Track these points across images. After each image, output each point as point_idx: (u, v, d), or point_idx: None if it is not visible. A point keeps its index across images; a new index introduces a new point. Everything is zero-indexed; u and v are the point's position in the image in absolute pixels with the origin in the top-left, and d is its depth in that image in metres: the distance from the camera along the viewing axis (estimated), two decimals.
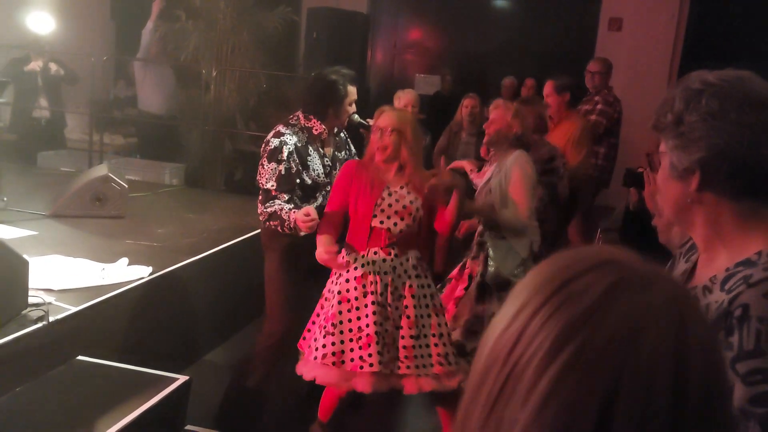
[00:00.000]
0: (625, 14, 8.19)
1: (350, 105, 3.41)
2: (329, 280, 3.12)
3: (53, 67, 6.72)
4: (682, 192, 1.24)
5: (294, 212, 3.08)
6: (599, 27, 8.39)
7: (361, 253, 3.03)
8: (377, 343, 2.89)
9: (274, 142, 3.25)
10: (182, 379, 2.90)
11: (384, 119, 3.07)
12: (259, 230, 3.34)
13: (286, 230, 3.15)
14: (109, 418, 2.52)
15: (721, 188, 1.21)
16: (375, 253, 3.02)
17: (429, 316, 3.01)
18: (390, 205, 3.03)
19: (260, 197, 3.28)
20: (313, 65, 6.33)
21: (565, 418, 0.56)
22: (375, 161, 3.08)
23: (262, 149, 3.30)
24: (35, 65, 6.64)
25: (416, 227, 3.06)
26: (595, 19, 8.41)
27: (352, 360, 2.90)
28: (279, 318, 3.33)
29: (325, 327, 2.97)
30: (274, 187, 3.20)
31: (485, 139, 3.75)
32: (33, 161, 6.61)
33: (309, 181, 3.31)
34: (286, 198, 3.22)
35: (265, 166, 3.24)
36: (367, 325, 2.92)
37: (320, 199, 3.39)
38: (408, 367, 2.92)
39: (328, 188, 3.36)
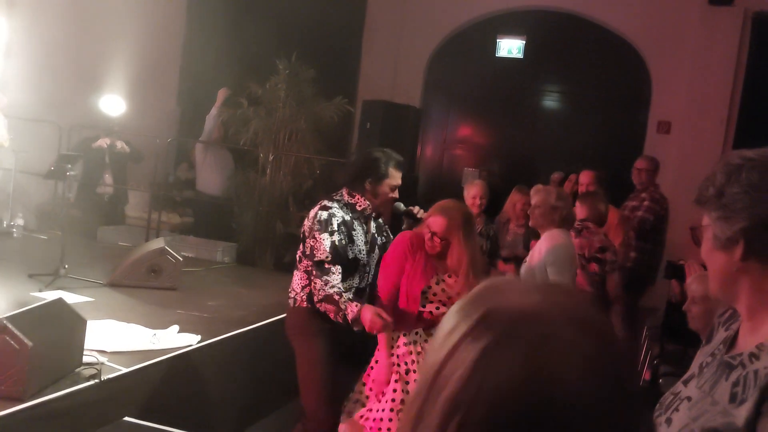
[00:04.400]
0: (674, 117, 8.30)
1: (391, 189, 3.34)
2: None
3: (119, 144, 7.11)
4: (726, 262, 1.28)
5: (357, 305, 3.01)
6: (648, 129, 8.50)
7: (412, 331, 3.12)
8: None
9: (323, 215, 3.20)
10: None
11: (434, 223, 3.10)
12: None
13: (338, 318, 3.08)
14: None
15: (765, 256, 1.24)
16: (416, 333, 3.11)
17: None
18: (435, 294, 3.12)
19: (313, 272, 3.19)
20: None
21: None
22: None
23: (308, 225, 3.24)
24: (103, 142, 7.04)
25: None
26: (644, 122, 8.54)
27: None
28: (326, 410, 3.20)
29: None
30: (329, 259, 3.14)
31: (531, 223, 3.87)
32: (93, 235, 6.89)
33: (352, 256, 3.26)
34: (339, 270, 3.16)
35: (317, 238, 3.18)
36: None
37: (357, 280, 3.33)
38: None
39: (366, 269, 3.35)
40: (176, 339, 3.73)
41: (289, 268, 6.33)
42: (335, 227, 3.20)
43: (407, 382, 3.03)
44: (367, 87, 8.89)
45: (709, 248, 1.32)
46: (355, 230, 3.30)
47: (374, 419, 3.04)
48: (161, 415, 3.18)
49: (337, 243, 3.19)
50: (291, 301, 3.32)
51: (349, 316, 3.01)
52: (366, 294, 3.42)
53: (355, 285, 3.34)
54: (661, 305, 6.58)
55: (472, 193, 4.96)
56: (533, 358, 0.65)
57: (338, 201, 3.30)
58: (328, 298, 3.10)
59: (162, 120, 8.90)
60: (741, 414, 1.17)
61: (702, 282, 2.65)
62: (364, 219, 3.38)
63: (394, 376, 3.06)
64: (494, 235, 5.16)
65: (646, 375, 4.81)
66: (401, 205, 3.49)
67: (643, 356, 5.41)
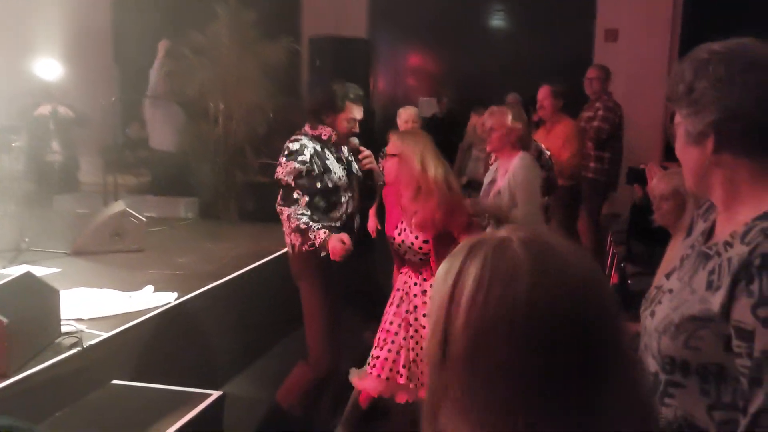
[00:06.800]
0: (621, 25, 8.32)
1: (349, 123, 3.35)
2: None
3: (62, 109, 6.86)
4: (699, 156, 1.30)
5: (324, 232, 3.09)
6: (595, 39, 8.51)
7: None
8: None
9: (293, 145, 3.23)
10: (216, 394, 2.96)
11: (391, 145, 3.19)
12: (276, 254, 3.36)
13: (305, 247, 3.17)
14: None
15: (736, 148, 1.26)
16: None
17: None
18: (403, 241, 3.20)
19: (280, 197, 3.23)
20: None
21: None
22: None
23: (279, 159, 3.27)
24: (44, 109, 6.78)
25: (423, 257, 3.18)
26: (591, 32, 8.54)
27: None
28: (329, 354, 3.26)
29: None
30: (292, 184, 3.17)
31: (488, 147, 3.87)
32: (49, 205, 6.71)
33: (331, 184, 3.28)
34: (307, 200, 3.19)
35: (283, 164, 3.21)
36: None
37: (345, 205, 3.37)
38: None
39: (350, 194, 3.39)
40: (153, 298, 3.70)
41: (254, 217, 6.34)
42: (307, 158, 3.20)
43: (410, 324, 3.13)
44: (311, 23, 8.65)
45: (682, 144, 1.34)
46: (328, 159, 3.32)
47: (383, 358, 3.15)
48: (149, 374, 3.18)
49: (304, 173, 3.19)
50: (290, 248, 3.33)
51: (317, 242, 3.10)
52: (356, 221, 3.47)
53: (344, 212, 3.35)
54: (623, 211, 6.73)
55: (404, 117, 4.99)
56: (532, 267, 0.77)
57: (305, 135, 3.32)
58: (296, 228, 3.16)
59: (101, 80, 8.59)
60: (716, 300, 1.21)
61: (667, 180, 2.72)
62: (334, 146, 3.38)
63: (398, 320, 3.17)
64: None
65: (614, 278, 4.95)
66: (356, 140, 3.49)
67: (609, 261, 5.57)
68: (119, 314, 3.46)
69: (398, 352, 3.11)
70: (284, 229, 3.28)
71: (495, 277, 0.77)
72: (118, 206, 5.15)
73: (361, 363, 3.30)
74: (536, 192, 3.56)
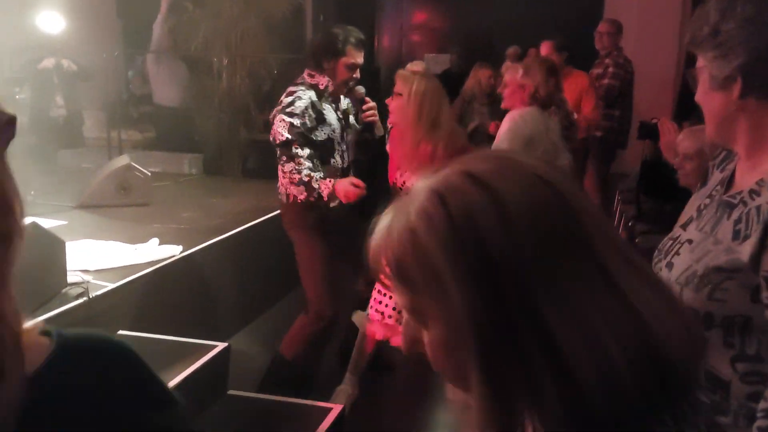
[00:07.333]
0: None
1: (350, 68, 3.24)
2: None
3: (66, 63, 6.79)
4: (724, 102, 1.25)
5: (330, 181, 3.05)
6: None
7: None
8: None
9: (286, 99, 3.16)
10: (221, 345, 2.97)
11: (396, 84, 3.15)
12: (279, 211, 3.33)
13: (311, 199, 3.11)
14: None
15: (763, 92, 1.22)
16: None
17: None
18: (405, 184, 3.15)
19: (279, 157, 3.15)
20: None
21: None
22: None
23: (272, 114, 3.21)
24: (48, 62, 6.71)
25: None
26: None
27: None
28: (327, 302, 3.25)
29: None
30: (288, 137, 3.09)
31: (503, 104, 3.80)
32: (54, 160, 6.69)
33: (324, 137, 3.22)
34: (308, 153, 3.12)
35: (277, 122, 3.14)
36: None
37: (339, 159, 3.31)
38: None
39: (344, 147, 3.34)
40: (158, 251, 3.69)
41: (257, 173, 6.31)
42: (298, 111, 3.13)
43: None
44: None
45: (705, 90, 1.29)
46: (324, 109, 3.24)
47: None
48: (155, 325, 3.19)
49: (304, 126, 3.13)
50: (283, 198, 3.27)
51: (324, 193, 3.04)
52: (350, 174, 3.39)
53: (339, 166, 3.31)
54: (632, 170, 6.67)
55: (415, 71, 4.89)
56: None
57: (302, 84, 3.24)
58: (299, 181, 3.09)
59: (104, 34, 8.48)
60: (746, 250, 1.17)
61: (693, 138, 2.64)
62: (331, 97, 3.31)
63: None
64: None
65: (622, 235, 4.92)
66: (362, 89, 3.41)
67: (617, 220, 5.54)
68: (125, 266, 3.46)
69: None
70: (282, 181, 3.20)
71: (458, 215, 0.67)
72: (123, 160, 5.13)
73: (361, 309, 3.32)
74: (510, 144, 3.45)
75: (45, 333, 0.72)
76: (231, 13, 6.70)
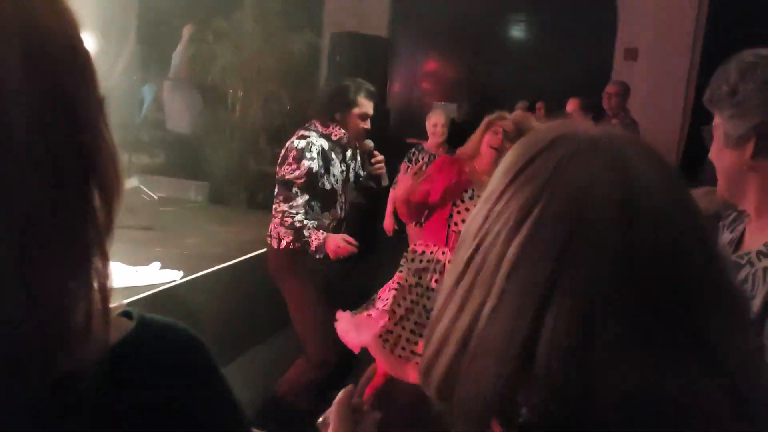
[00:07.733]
0: (641, 44, 8.32)
1: (361, 118, 3.28)
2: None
3: None
4: (736, 160, 1.28)
5: (321, 233, 3.06)
6: (615, 57, 8.51)
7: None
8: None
9: (300, 143, 3.16)
10: None
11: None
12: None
13: (297, 245, 3.11)
14: None
15: None
16: (443, 253, 3.11)
17: None
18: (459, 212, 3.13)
19: (277, 195, 3.16)
20: None
21: (529, 278, 0.64)
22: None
23: (282, 155, 3.21)
24: None
25: None
26: (611, 50, 8.54)
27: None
28: (329, 348, 3.21)
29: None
30: (299, 183, 3.11)
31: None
32: None
33: (329, 187, 3.25)
34: (306, 199, 3.13)
35: (288, 160, 3.14)
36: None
37: (338, 210, 3.34)
38: None
39: (344, 199, 3.36)
40: (159, 275, 3.74)
41: (262, 206, 6.38)
42: (314, 155, 3.16)
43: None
44: (334, 18, 8.72)
45: (719, 147, 1.32)
46: (332, 160, 3.27)
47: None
48: None
49: (310, 171, 3.14)
50: (274, 242, 3.26)
51: (313, 244, 3.04)
52: (344, 227, 3.43)
53: (338, 217, 3.35)
54: None
55: (433, 121, 4.93)
56: (614, 163, 0.65)
57: (314, 131, 3.26)
58: (290, 225, 3.10)
59: (123, 58, 8.65)
60: (751, 311, 1.18)
61: (707, 200, 2.68)
62: (342, 149, 3.35)
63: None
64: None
65: None
66: (371, 143, 3.44)
67: None
68: (124, 287, 3.50)
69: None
70: (273, 223, 3.22)
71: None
72: (131, 183, 5.21)
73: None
74: None
75: (124, 314, 0.72)
76: (250, 48, 6.86)
